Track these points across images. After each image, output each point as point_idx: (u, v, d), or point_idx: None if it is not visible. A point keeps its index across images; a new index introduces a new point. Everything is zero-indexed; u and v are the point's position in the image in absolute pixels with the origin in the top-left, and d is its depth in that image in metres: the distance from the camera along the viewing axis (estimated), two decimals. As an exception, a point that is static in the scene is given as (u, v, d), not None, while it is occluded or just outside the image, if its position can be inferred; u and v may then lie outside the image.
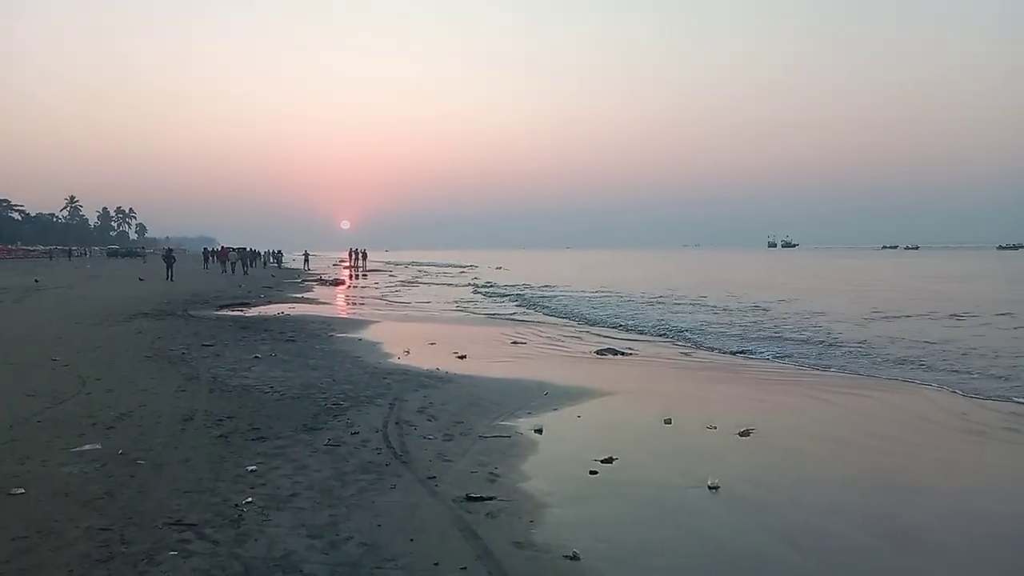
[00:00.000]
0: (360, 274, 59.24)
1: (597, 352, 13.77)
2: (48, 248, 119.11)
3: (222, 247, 75.38)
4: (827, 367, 12.51)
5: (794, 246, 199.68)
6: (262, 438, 7.19)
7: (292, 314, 21.43)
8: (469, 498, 5.50)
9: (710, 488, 5.88)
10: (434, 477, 6.02)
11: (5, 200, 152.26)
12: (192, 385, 9.90)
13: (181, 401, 8.84)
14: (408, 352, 13.49)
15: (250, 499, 5.41)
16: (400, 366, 11.86)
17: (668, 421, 8.09)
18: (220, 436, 7.23)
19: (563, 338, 16.20)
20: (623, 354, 13.52)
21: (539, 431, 7.62)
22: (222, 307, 23.34)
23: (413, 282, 45.78)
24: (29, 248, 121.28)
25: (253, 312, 22.01)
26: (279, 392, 9.50)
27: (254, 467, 6.21)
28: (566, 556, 4.52)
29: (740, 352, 14.17)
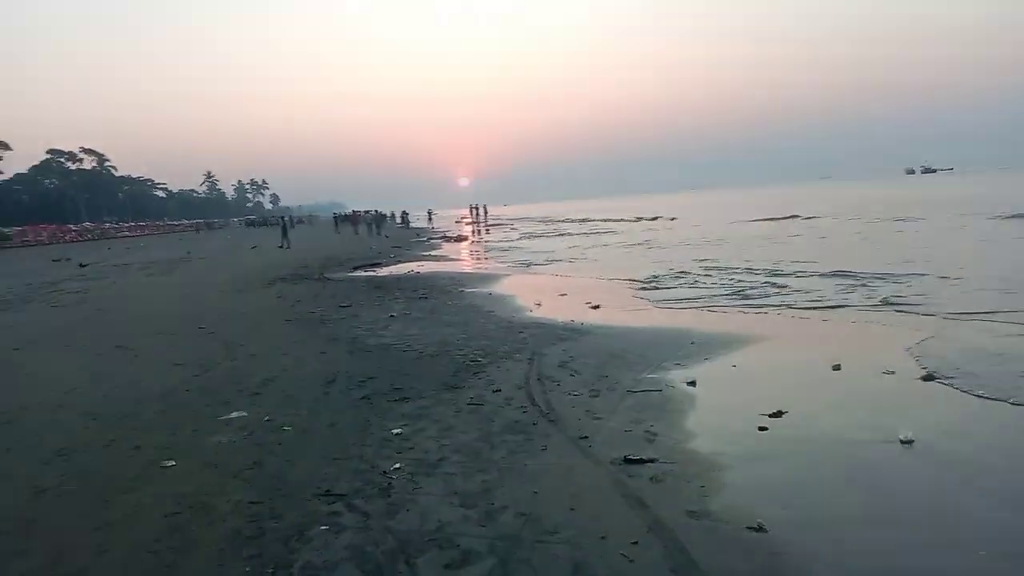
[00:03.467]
0: (483, 229, 59.54)
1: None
2: (193, 221, 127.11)
3: (353, 211, 77.96)
4: None
5: (933, 171, 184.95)
6: (405, 399, 7.01)
7: (422, 272, 21.57)
8: (628, 460, 5.06)
9: (903, 442, 5.17)
10: (586, 437, 5.61)
11: (150, 180, 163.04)
12: (332, 347, 9.92)
13: (323, 364, 8.83)
14: (540, 304, 13.14)
15: (398, 464, 5.19)
16: (534, 319, 11.52)
17: (837, 367, 7.33)
18: (363, 398, 7.10)
19: (707, 276, 15.39)
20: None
21: (692, 383, 7.06)
22: (355, 268, 23.82)
23: (541, 235, 45.40)
24: (174, 223, 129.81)
25: (384, 272, 22.30)
26: (417, 350, 9.36)
27: (399, 430, 6.01)
28: (750, 527, 4.00)
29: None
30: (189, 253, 36.27)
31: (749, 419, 5.89)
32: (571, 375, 7.66)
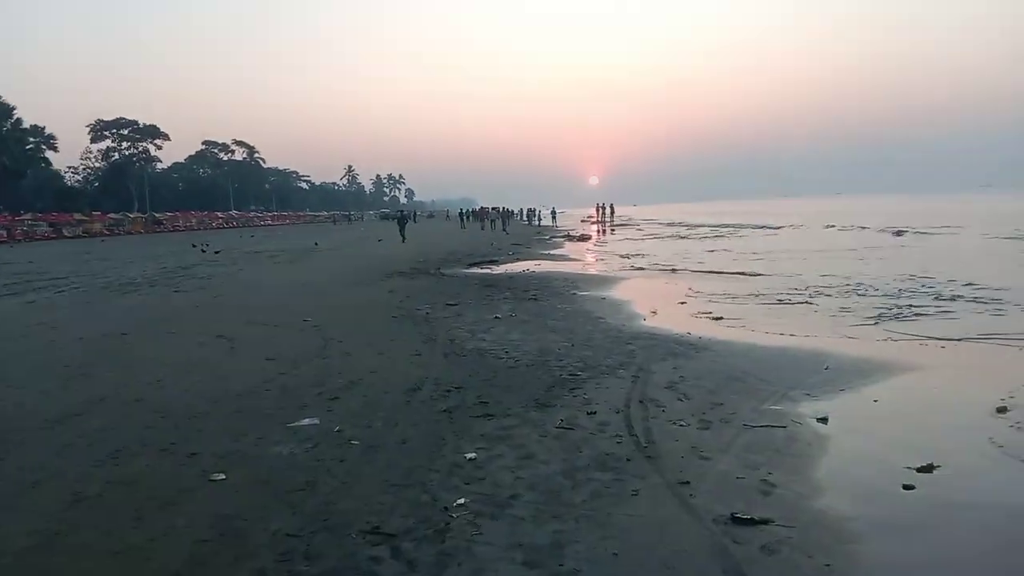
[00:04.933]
0: (608, 229, 58.39)
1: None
2: (331, 213, 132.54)
3: (480, 207, 78.89)
4: None
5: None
6: (489, 415, 6.31)
7: (537, 271, 20.92)
8: (736, 519, 4.13)
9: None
10: (688, 483, 4.70)
11: (294, 172, 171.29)
12: (428, 348, 9.39)
13: (413, 367, 8.29)
14: (655, 313, 12.16)
15: (463, 500, 4.48)
16: (646, 329, 10.57)
17: (1002, 410, 6.04)
18: (445, 411, 6.46)
19: (837, 296, 13.85)
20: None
21: (824, 420, 5.98)
22: (472, 265, 23.49)
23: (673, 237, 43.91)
24: (315, 213, 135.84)
25: (500, 270, 21.81)
26: (514, 358, 8.66)
27: (473, 454, 5.31)
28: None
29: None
30: (317, 244, 37.19)
31: (892, 472, 4.81)
32: (679, 399, 6.72)
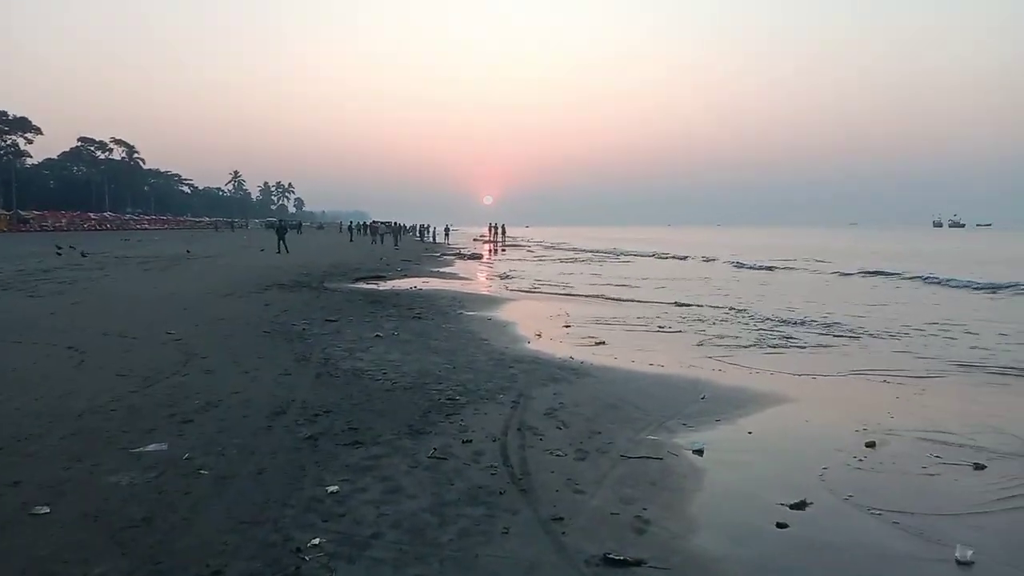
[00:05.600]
0: (499, 249, 58.57)
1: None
2: (213, 220, 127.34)
3: (373, 221, 77.72)
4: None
5: (961, 226, 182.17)
6: (357, 443, 5.91)
7: (425, 288, 20.52)
8: (608, 560, 3.92)
9: (959, 563, 4.01)
10: (561, 519, 4.48)
11: (176, 175, 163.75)
12: (300, 368, 8.87)
13: (281, 388, 7.77)
14: (539, 336, 12.03)
15: (317, 540, 4.08)
16: (530, 352, 10.40)
17: (871, 444, 6.15)
18: (309, 438, 6.02)
19: (724, 322, 14.16)
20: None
21: (699, 452, 5.91)
22: (358, 280, 22.83)
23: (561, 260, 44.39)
24: (196, 219, 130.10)
25: (387, 286, 21.28)
26: (391, 380, 8.28)
27: (336, 487, 4.91)
28: None
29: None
30: (189, 252, 35.37)
31: (766, 509, 4.74)
32: (558, 427, 6.53)
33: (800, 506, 4.77)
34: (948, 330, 13.62)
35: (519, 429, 6.41)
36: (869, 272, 30.22)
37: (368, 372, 8.70)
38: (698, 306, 17.17)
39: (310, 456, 5.57)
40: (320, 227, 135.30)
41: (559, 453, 5.79)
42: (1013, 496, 5.07)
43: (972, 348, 11.58)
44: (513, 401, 7.41)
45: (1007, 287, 22.42)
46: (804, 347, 11.45)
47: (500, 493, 4.91)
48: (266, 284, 19.92)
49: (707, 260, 41.39)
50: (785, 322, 14.35)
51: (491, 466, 5.45)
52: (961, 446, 6.19)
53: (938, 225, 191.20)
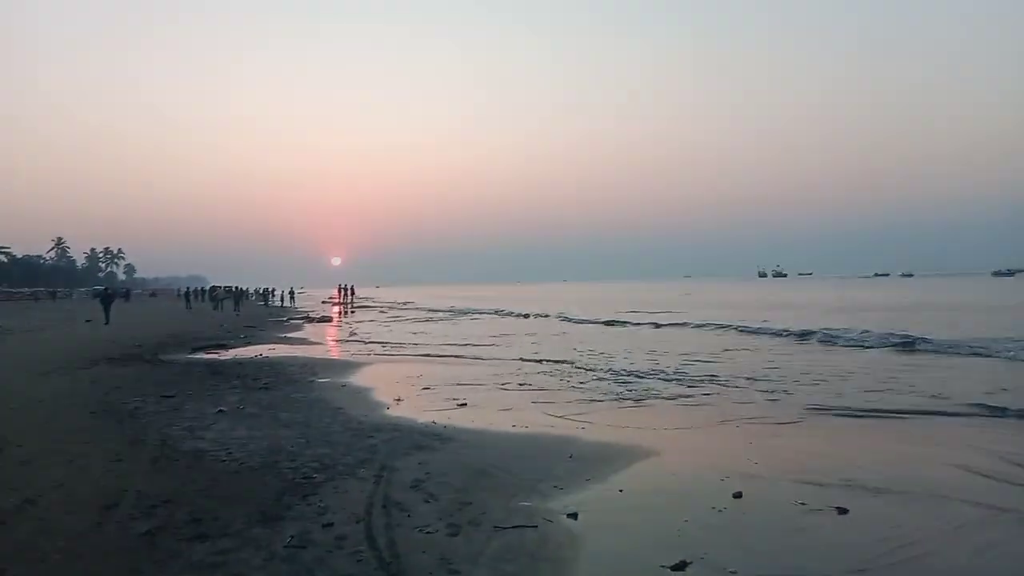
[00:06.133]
0: (349, 310, 57.30)
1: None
2: (33, 290, 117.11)
3: (212, 286, 74.00)
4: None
5: (784, 276, 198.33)
6: (202, 536, 5.29)
7: (272, 356, 19.50)
8: (493, 650, 3.62)
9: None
10: (438, 606, 4.13)
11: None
12: (134, 452, 7.99)
13: (111, 477, 6.92)
14: (399, 400, 11.60)
15: (157, 661, 3.51)
16: (390, 420, 9.95)
17: (738, 495, 6.21)
18: (146, 534, 5.32)
19: (576, 374, 14.28)
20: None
21: (574, 516, 5.73)
22: (196, 349, 21.41)
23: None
24: (13, 290, 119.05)
25: (229, 355, 20.06)
26: (238, 460, 7.60)
27: (177, 593, 4.32)
28: None
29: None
30: (2, 327, 32.08)
31: (647, 573, 4.60)
32: (426, 501, 6.16)
33: (680, 567, 4.66)
34: (789, 375, 14.41)
35: (384, 506, 5.99)
36: (698, 324, 31.35)
37: (211, 453, 7.96)
38: (551, 362, 17.31)
39: (147, 555, 4.90)
40: (152, 294, 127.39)
41: (430, 530, 5.43)
42: (881, 540, 5.22)
43: (817, 392, 12.26)
44: (376, 475, 6.97)
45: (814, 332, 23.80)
46: (658, 397, 11.69)
47: (368, 582, 4.49)
48: (93, 358, 18.23)
49: (544, 316, 42.08)
50: (632, 374, 14.69)
51: (357, 551, 5.01)
52: (822, 486, 6.39)
53: (763, 275, 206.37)
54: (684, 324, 31.30)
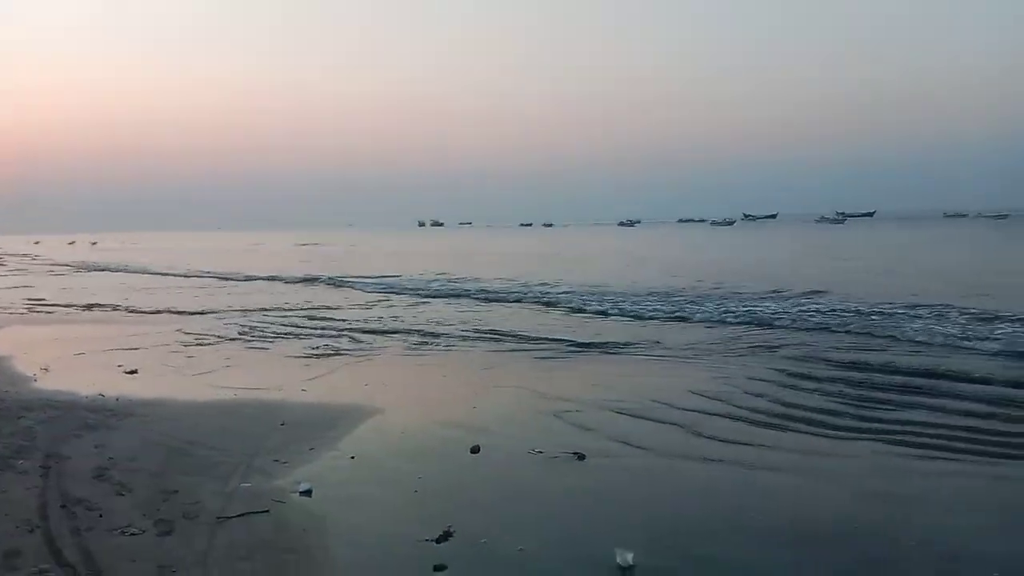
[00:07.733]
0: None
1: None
2: None
3: None
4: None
5: (440, 225, 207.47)
6: None
7: None
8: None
9: (622, 569, 3.98)
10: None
11: None
12: None
13: None
14: (47, 370, 9.67)
15: None
16: (42, 394, 8.20)
17: (476, 450, 6.04)
18: None
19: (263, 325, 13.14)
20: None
21: (308, 493, 5.11)
22: None
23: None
24: None
25: None
26: None
27: None
28: None
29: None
30: None
31: (413, 550, 4.21)
32: (119, 493, 5.09)
33: (444, 538, 4.34)
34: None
35: (64, 505, 4.81)
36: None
37: None
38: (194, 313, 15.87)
39: None
40: None
41: (134, 531, 4.44)
42: (601, 475, 5.41)
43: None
44: (42, 466, 5.60)
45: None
46: (347, 352, 11.22)
47: (66, 611, 3.50)
48: None
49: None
50: (309, 327, 14.02)
51: (40, 571, 3.91)
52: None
53: (422, 225, 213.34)
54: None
